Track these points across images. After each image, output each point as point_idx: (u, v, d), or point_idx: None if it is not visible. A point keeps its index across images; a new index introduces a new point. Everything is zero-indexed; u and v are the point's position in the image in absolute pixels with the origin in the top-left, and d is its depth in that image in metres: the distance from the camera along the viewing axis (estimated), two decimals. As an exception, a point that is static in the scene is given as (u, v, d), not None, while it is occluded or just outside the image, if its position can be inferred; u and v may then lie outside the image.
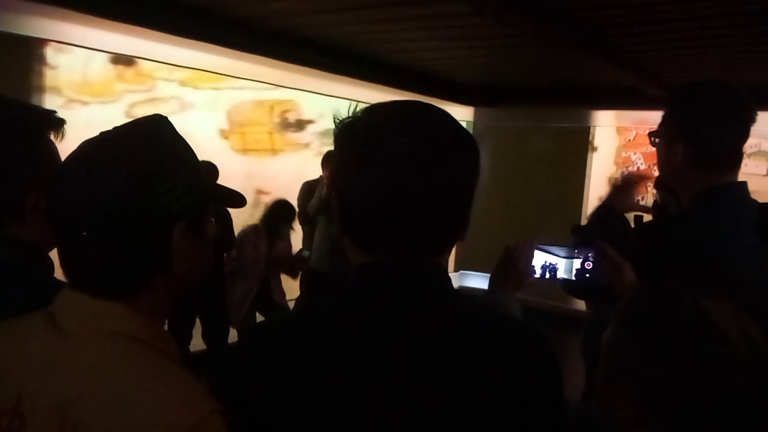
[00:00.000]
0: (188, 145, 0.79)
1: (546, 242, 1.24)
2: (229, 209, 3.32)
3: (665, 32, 3.40)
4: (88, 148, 0.73)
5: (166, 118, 0.79)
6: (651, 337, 0.72)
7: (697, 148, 1.29)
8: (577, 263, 1.23)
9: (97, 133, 0.75)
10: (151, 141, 0.74)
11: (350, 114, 0.77)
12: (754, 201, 1.34)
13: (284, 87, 4.90)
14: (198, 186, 0.76)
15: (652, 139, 1.39)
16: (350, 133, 0.76)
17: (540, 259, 1.21)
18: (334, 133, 0.78)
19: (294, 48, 4.11)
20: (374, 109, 0.77)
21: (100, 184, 0.69)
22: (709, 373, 0.68)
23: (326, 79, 4.70)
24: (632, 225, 1.59)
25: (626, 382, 0.73)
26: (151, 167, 0.71)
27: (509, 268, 1.19)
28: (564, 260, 1.23)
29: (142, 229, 0.70)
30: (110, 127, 0.76)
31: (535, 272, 1.23)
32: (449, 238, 0.76)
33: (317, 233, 4.06)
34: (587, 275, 1.22)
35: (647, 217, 2.88)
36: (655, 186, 3.33)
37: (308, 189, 4.16)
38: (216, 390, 0.70)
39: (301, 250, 4.31)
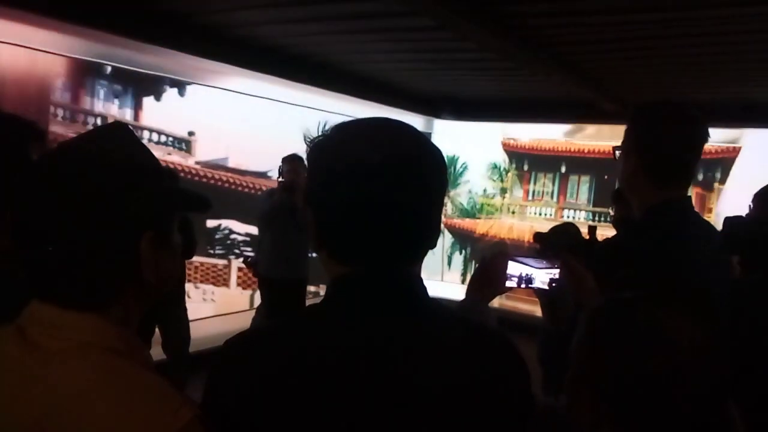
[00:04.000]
0: (151, 152, 0.78)
1: (522, 254, 1.30)
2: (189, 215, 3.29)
3: (620, 50, 3.54)
4: (48, 161, 0.72)
5: (126, 125, 0.78)
6: (605, 346, 0.76)
7: (649, 161, 1.36)
8: (550, 273, 1.28)
9: (55, 145, 0.74)
10: (113, 150, 0.72)
11: (320, 132, 0.79)
12: (698, 214, 1.44)
13: (252, 95, 4.87)
14: (163, 193, 0.75)
15: (615, 152, 1.47)
16: (322, 150, 0.78)
17: (516, 270, 1.27)
18: (306, 152, 0.79)
19: (258, 56, 4.11)
20: (343, 127, 0.79)
21: (64, 198, 0.67)
22: (657, 380, 0.72)
23: (291, 88, 4.71)
24: (587, 235, 1.65)
25: (584, 388, 0.77)
26: (116, 177, 0.70)
27: (485, 278, 1.24)
28: (539, 271, 1.28)
29: (110, 240, 0.69)
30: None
31: (510, 281, 1.27)
32: (423, 247, 0.79)
33: (268, 240, 4.03)
34: (554, 284, 1.27)
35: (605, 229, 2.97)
36: (612, 200, 3.45)
37: (270, 196, 4.14)
38: (209, 402, 0.71)
39: (248, 257, 4.30)
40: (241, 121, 4.86)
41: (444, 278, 6.76)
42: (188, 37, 3.64)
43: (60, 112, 3.82)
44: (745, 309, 1.78)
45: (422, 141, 0.78)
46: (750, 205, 2.62)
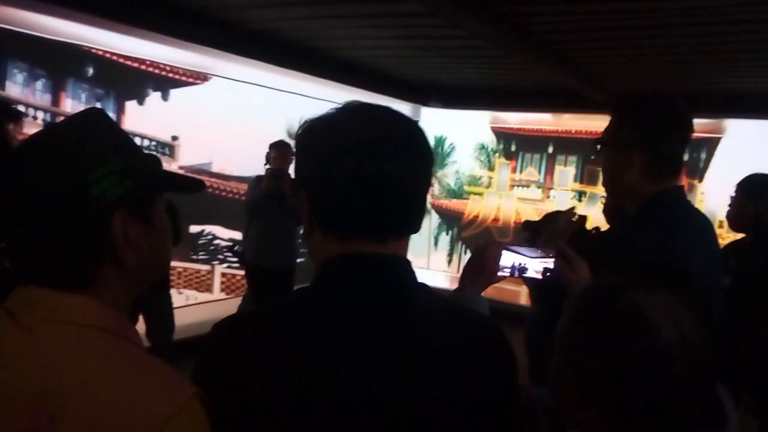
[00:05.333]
0: (124, 134, 0.79)
1: (516, 244, 1.29)
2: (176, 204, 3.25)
3: (607, 39, 3.55)
4: (17, 150, 0.73)
5: (100, 110, 0.80)
6: (590, 331, 0.77)
7: (652, 156, 1.36)
8: (545, 263, 1.27)
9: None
10: (77, 133, 0.74)
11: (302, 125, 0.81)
12: (690, 203, 1.44)
13: (233, 80, 4.81)
14: (138, 173, 0.75)
15: (598, 147, 1.45)
16: (319, 128, 0.79)
17: (509, 259, 1.26)
18: (297, 132, 0.80)
19: (243, 41, 4.05)
20: (338, 108, 0.80)
21: (29, 184, 0.69)
22: (639, 364, 0.72)
23: (277, 73, 4.66)
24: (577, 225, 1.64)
25: (570, 373, 0.78)
26: (77, 158, 0.70)
27: (478, 267, 1.24)
28: (532, 260, 1.27)
29: (78, 220, 0.70)
30: None
31: (503, 271, 1.27)
32: (413, 221, 0.81)
33: (255, 227, 4.01)
34: (547, 273, 1.27)
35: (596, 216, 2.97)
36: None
37: (257, 183, 4.10)
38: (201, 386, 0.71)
39: (235, 245, 4.28)
40: (225, 123, 4.79)
41: (430, 264, 6.79)
42: (169, 20, 3.57)
43: (40, 114, 3.76)
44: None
45: (411, 120, 0.83)
46: (732, 195, 2.66)
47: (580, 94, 4.97)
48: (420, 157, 0.79)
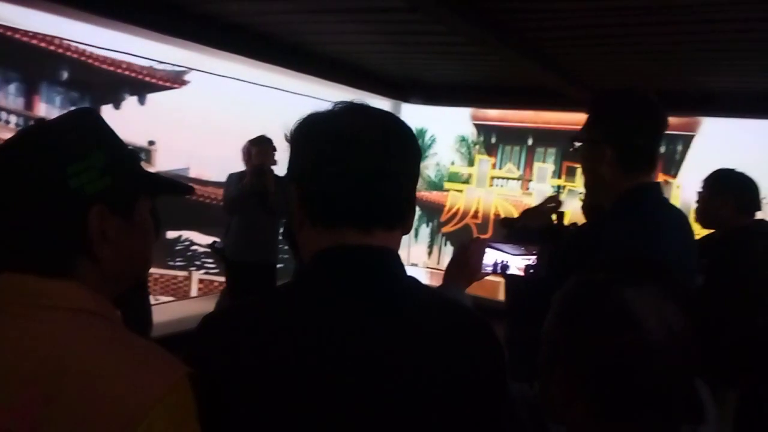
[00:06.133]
0: (112, 132, 0.80)
1: (499, 241, 1.30)
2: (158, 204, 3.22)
3: (585, 37, 3.58)
4: (6, 142, 0.75)
5: (92, 109, 0.82)
6: (577, 328, 0.78)
7: (622, 150, 1.37)
8: (527, 259, 1.28)
9: None
10: (63, 128, 0.75)
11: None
12: (666, 199, 1.46)
13: (212, 74, 4.76)
14: (121, 171, 0.76)
15: (574, 143, 1.47)
16: (310, 125, 0.81)
17: (492, 256, 1.27)
18: (290, 131, 0.82)
19: (223, 34, 4.00)
20: (329, 107, 0.82)
21: (11, 171, 0.71)
22: (625, 357, 0.73)
23: (256, 67, 4.61)
24: (556, 220, 1.66)
25: (558, 368, 0.79)
26: (59, 150, 0.72)
27: (462, 264, 1.25)
28: (515, 257, 1.28)
29: (54, 211, 0.71)
30: None
31: (486, 268, 1.28)
32: (403, 213, 0.82)
33: (236, 223, 3.98)
34: (531, 270, 1.28)
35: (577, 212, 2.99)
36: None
37: (237, 179, 4.06)
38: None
39: (215, 241, 4.25)
40: (202, 128, 4.75)
41: (410, 257, 6.79)
42: (147, 13, 3.51)
43: (12, 119, 3.68)
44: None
45: (399, 119, 0.85)
46: (699, 192, 2.70)
47: (559, 92, 5.01)
48: (407, 152, 0.81)
